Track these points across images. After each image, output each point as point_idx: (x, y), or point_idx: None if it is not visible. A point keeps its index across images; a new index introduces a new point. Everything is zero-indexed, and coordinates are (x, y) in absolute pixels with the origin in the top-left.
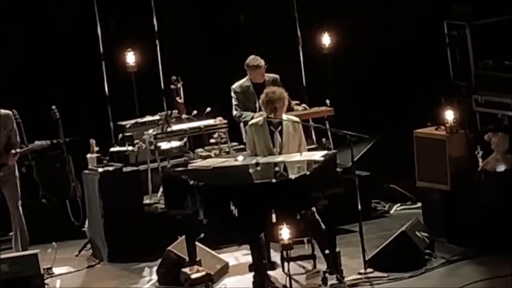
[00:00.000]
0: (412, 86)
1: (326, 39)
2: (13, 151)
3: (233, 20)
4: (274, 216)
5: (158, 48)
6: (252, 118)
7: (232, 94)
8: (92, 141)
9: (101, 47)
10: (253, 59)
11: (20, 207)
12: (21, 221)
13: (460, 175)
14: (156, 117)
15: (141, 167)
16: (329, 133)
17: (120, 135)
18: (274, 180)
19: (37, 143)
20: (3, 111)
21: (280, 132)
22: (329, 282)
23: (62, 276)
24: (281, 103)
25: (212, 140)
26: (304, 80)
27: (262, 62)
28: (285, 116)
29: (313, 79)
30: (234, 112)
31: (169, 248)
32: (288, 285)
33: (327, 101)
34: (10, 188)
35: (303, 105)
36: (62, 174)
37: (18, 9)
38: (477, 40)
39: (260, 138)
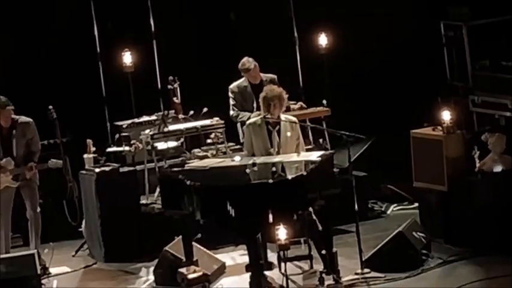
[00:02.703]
0: (409, 86)
1: (323, 40)
2: (30, 164)
3: (229, 20)
4: (271, 216)
5: (155, 48)
6: (249, 118)
7: (230, 94)
8: (89, 142)
9: (98, 47)
10: (244, 62)
11: (39, 211)
12: (39, 224)
13: (457, 175)
14: (153, 117)
15: (138, 167)
16: (326, 133)
17: (117, 136)
18: (271, 181)
19: (53, 161)
20: (23, 118)
21: (278, 132)
22: (326, 283)
23: (59, 277)
24: (276, 101)
25: (209, 140)
26: (301, 80)
27: (252, 65)
28: (282, 116)
29: (310, 79)
30: (231, 112)
31: (166, 248)
32: (284, 285)
33: (324, 101)
34: (30, 192)
35: (300, 102)
36: (59, 175)
37: (16, 10)
38: (474, 41)
39: (258, 138)
